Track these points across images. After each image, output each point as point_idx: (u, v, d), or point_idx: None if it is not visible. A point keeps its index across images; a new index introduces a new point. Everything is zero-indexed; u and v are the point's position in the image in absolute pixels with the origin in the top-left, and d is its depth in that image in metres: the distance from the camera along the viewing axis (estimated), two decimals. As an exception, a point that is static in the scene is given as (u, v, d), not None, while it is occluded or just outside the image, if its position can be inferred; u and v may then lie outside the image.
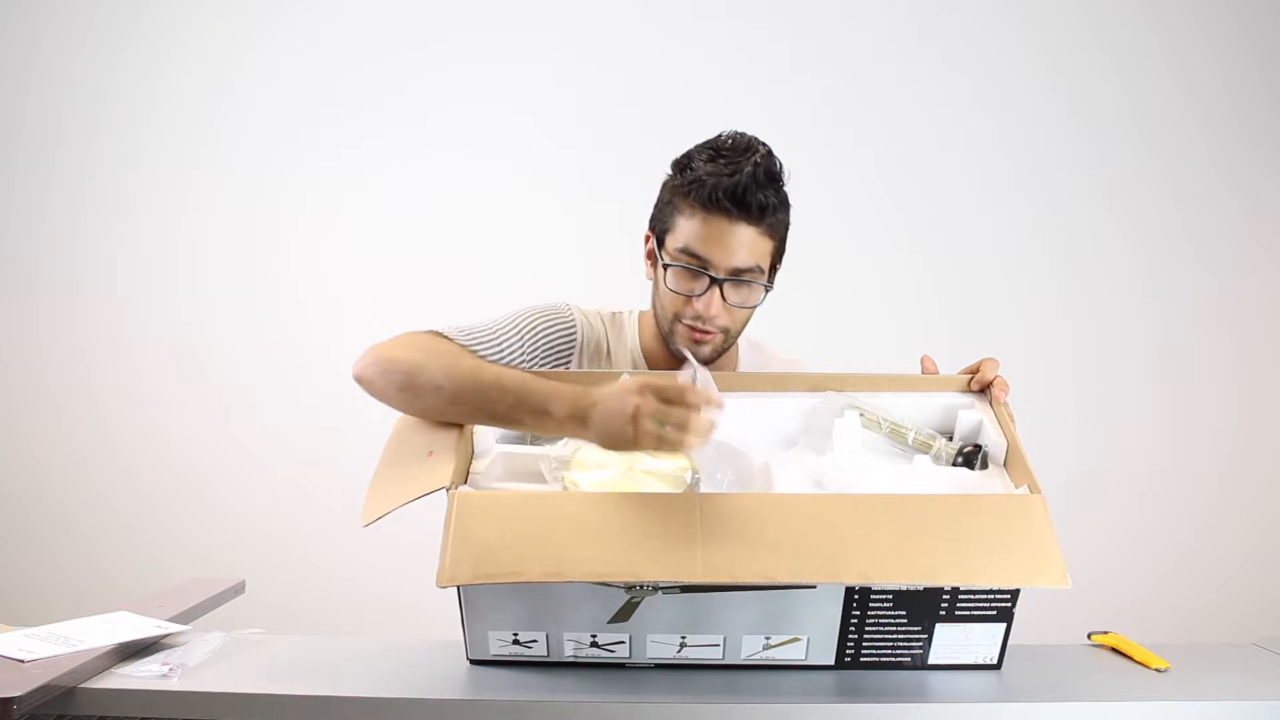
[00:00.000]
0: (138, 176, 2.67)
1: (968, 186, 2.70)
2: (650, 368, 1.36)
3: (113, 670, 1.03)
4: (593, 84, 2.65)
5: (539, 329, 1.32)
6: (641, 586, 0.99)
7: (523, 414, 1.06)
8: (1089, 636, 1.23)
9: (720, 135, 1.29)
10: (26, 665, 0.98)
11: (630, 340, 1.38)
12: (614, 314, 1.41)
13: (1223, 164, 2.70)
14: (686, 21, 2.66)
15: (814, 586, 0.99)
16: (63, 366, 2.67)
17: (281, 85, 2.66)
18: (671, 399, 0.97)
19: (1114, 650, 1.19)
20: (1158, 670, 1.10)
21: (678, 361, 1.28)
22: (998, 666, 1.05)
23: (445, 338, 1.21)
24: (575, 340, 1.34)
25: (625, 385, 1.01)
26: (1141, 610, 2.21)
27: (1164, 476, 2.68)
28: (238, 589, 1.45)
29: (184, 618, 1.23)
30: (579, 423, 1.02)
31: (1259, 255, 2.73)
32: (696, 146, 1.29)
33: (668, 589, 0.99)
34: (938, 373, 1.27)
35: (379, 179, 2.66)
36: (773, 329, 1.46)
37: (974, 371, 1.23)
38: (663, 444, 0.98)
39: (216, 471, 2.65)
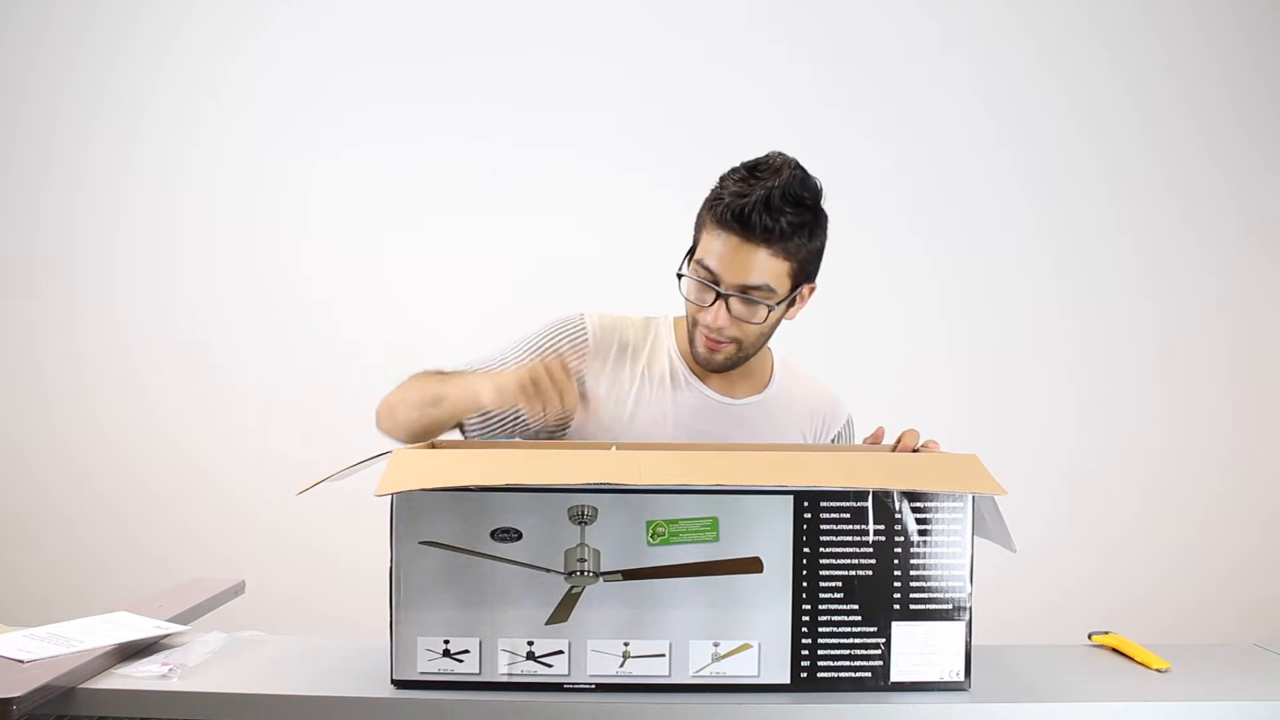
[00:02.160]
0: (136, 175, 2.66)
1: (969, 186, 2.70)
2: (688, 366, 1.41)
3: (112, 670, 1.03)
4: (608, 88, 2.65)
5: (545, 345, 1.38)
6: (583, 573, 0.98)
7: (449, 388, 1.28)
8: (1089, 636, 1.23)
9: (767, 155, 1.30)
10: (26, 665, 0.98)
11: (667, 341, 1.43)
12: (647, 319, 1.46)
13: (1223, 164, 2.70)
14: (697, 27, 2.66)
15: (760, 570, 0.99)
16: (62, 367, 2.66)
17: (282, 82, 2.65)
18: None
19: (1114, 650, 1.19)
20: (1158, 670, 1.10)
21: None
22: (966, 684, 1.01)
23: (430, 373, 1.36)
24: (587, 346, 1.39)
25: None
26: (1141, 610, 2.21)
27: (1163, 476, 2.68)
28: (237, 589, 1.45)
29: (184, 618, 1.24)
30: (486, 379, 1.24)
31: (1259, 255, 2.73)
32: (741, 163, 1.31)
33: (609, 575, 0.98)
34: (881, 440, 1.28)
35: (378, 178, 2.65)
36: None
37: (896, 443, 1.25)
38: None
39: (216, 470, 2.64)
